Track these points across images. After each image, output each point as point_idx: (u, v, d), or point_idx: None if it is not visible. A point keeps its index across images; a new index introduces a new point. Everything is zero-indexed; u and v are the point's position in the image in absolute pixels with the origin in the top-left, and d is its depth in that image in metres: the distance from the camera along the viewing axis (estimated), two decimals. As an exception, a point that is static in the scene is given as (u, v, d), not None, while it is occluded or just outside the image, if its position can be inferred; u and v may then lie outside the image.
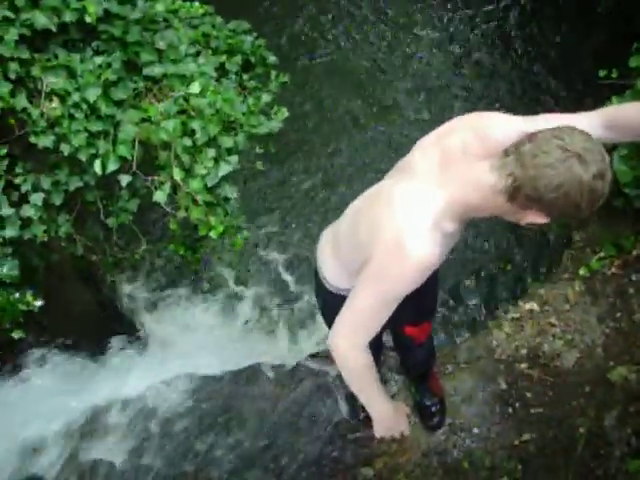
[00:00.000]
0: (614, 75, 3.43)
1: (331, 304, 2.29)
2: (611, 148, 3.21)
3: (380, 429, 2.43)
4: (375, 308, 2.01)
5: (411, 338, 2.79)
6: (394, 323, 2.73)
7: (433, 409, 3.20)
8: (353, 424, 3.29)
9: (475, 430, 3.14)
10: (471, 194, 1.81)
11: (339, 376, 3.26)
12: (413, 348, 2.92)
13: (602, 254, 3.42)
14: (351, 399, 3.29)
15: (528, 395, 3.17)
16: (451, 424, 3.18)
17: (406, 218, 1.86)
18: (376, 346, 3.00)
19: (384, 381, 3.40)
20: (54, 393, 3.81)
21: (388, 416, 2.38)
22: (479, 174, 1.76)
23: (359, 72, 6.57)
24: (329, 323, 2.40)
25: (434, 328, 4.85)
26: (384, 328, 2.83)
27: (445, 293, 5.05)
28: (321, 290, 2.41)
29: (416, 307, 2.51)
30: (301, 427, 3.34)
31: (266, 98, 3.34)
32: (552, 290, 3.44)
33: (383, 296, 1.97)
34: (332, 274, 2.34)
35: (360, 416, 3.25)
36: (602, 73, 3.46)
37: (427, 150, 1.96)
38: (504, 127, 1.85)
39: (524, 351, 3.28)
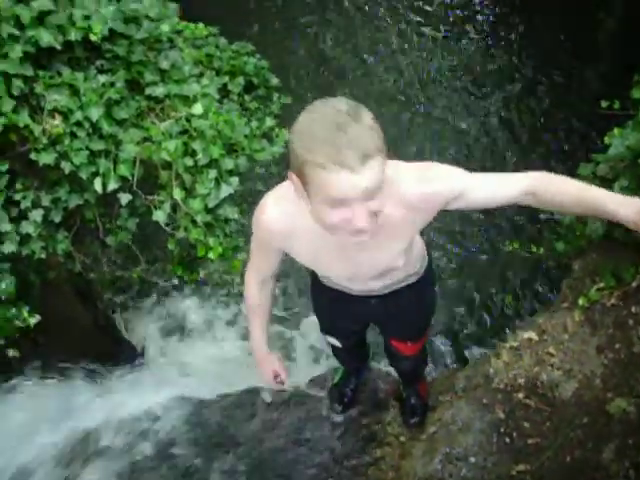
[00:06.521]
0: (616, 106, 3.43)
1: None
2: (612, 179, 3.21)
3: (256, 363, 2.60)
4: (254, 250, 2.24)
5: (397, 349, 2.93)
6: (381, 332, 2.96)
7: (415, 408, 3.36)
8: (349, 451, 3.27)
9: (472, 459, 3.10)
10: None
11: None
12: (400, 358, 3.03)
13: (601, 284, 3.40)
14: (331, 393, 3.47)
15: (526, 425, 3.14)
16: (447, 453, 3.15)
17: (279, 188, 1.99)
18: (357, 347, 3.19)
19: (381, 406, 3.41)
20: (47, 413, 3.77)
21: (256, 355, 2.55)
22: None
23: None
24: None
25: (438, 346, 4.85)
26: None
27: (443, 320, 5.04)
28: None
29: (398, 327, 2.77)
30: (297, 453, 3.32)
31: (269, 122, 3.35)
32: (551, 320, 3.42)
33: (254, 242, 2.18)
34: None
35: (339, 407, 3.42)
36: (604, 104, 3.46)
37: None
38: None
39: (522, 380, 3.25)
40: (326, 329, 2.92)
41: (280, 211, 1.95)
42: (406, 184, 1.85)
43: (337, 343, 2.95)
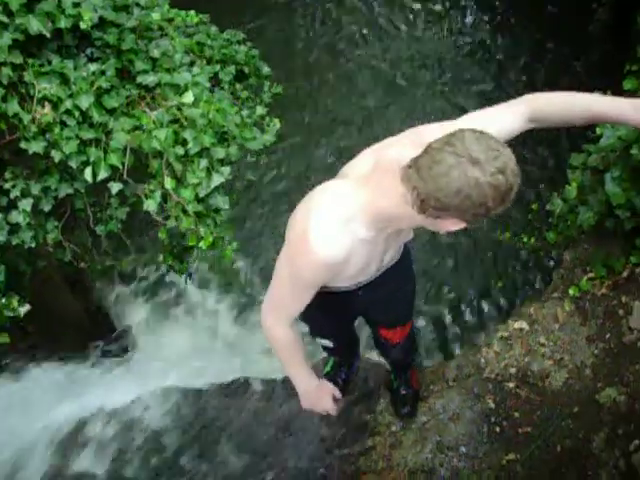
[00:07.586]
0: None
1: None
2: (603, 170, 3.22)
3: (303, 402, 2.52)
4: (289, 290, 2.08)
5: (385, 339, 2.96)
6: (369, 324, 2.98)
7: (406, 398, 3.33)
8: (341, 440, 3.27)
9: (462, 449, 3.12)
10: (381, 200, 1.83)
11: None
12: (389, 347, 3.04)
13: (592, 274, 3.41)
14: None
15: (516, 415, 3.16)
16: (438, 442, 3.16)
17: (316, 211, 1.89)
18: (349, 343, 3.25)
19: (371, 395, 3.42)
20: (37, 403, 3.77)
21: (309, 391, 2.45)
22: (394, 183, 1.76)
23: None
24: None
25: (423, 332, 4.86)
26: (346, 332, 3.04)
27: (434, 310, 5.04)
28: None
29: (385, 312, 2.77)
30: (287, 443, 3.32)
31: (260, 111, 3.33)
32: (542, 309, 3.43)
33: (294, 281, 2.03)
34: None
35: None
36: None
37: (364, 158, 2.00)
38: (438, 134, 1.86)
39: (513, 370, 3.27)
40: (317, 333, 2.92)
41: (338, 238, 1.88)
42: None
43: (329, 344, 2.97)
